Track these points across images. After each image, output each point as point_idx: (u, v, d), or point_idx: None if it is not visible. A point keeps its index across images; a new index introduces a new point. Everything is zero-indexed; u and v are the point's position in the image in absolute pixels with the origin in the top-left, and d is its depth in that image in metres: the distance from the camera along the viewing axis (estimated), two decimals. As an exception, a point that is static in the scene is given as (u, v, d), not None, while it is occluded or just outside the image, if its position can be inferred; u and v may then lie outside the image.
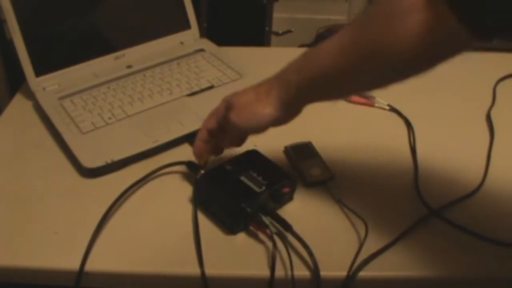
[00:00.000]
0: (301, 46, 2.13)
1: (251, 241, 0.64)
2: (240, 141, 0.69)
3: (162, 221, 0.67)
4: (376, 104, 0.89)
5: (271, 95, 0.60)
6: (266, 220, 0.63)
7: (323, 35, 2.11)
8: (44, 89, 0.87)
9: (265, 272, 0.60)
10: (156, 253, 0.63)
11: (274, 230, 0.63)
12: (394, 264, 0.62)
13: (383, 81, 0.54)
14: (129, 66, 0.93)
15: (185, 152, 0.78)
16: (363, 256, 0.62)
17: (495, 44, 1.65)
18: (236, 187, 0.66)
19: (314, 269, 0.60)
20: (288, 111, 0.61)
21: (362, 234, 0.65)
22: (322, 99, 0.60)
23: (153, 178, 0.73)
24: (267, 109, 0.60)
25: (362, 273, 0.60)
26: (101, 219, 0.65)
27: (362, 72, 0.54)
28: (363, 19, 0.53)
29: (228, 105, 0.63)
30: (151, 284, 0.63)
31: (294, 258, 0.61)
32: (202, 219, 0.67)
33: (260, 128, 0.63)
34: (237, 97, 0.63)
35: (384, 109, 0.88)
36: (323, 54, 0.56)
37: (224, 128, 0.65)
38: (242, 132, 0.67)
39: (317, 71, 0.56)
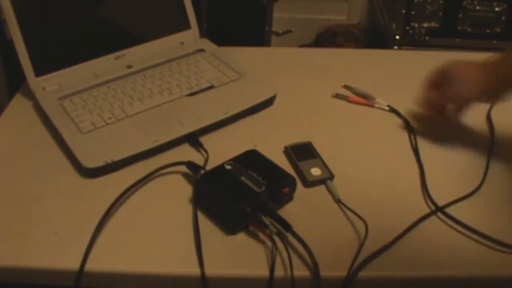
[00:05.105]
0: (301, 46, 2.13)
1: (251, 241, 0.64)
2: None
3: (162, 221, 0.67)
4: (376, 105, 0.89)
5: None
6: (266, 220, 0.63)
7: (323, 35, 2.11)
8: (44, 89, 0.87)
9: (264, 272, 0.60)
10: (156, 253, 0.63)
11: (274, 230, 0.63)
12: (394, 264, 0.62)
13: None
14: (129, 66, 0.93)
15: (185, 152, 0.78)
16: (363, 256, 0.62)
17: (495, 44, 1.66)
18: (236, 187, 0.66)
19: (314, 269, 0.60)
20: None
21: (362, 234, 0.65)
22: None
23: (153, 178, 0.73)
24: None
25: (362, 273, 0.60)
26: (101, 219, 0.65)
27: None
28: None
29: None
30: (151, 284, 0.63)
31: (294, 258, 0.61)
32: (202, 219, 0.67)
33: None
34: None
35: (384, 109, 0.88)
36: None
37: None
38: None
39: None
